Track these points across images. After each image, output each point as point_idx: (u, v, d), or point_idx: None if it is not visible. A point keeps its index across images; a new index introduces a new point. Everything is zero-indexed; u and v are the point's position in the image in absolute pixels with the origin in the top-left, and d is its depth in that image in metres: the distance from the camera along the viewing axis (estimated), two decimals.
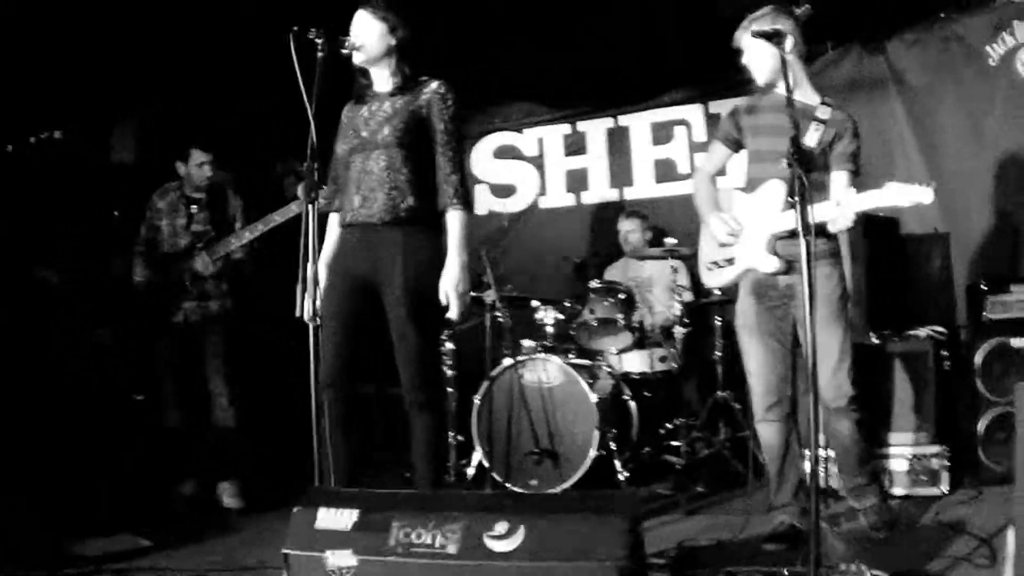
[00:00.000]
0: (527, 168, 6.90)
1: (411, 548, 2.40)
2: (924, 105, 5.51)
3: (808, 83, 3.69)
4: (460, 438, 5.41)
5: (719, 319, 5.33)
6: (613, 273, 6.10)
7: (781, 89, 3.58)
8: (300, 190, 3.31)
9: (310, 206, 3.26)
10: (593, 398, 4.85)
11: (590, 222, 6.67)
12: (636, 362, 5.42)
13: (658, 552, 3.62)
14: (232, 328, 5.18)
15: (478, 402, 5.08)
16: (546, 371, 5.02)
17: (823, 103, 3.63)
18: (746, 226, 3.67)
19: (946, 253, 5.14)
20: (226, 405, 5.08)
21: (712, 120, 6.16)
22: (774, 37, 3.22)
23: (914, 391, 4.47)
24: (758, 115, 3.74)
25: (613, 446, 4.90)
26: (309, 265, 3.27)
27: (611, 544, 2.24)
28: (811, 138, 3.56)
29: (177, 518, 4.78)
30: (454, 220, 3.49)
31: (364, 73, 3.67)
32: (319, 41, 3.36)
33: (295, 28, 3.29)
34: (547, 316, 5.33)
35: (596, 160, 6.70)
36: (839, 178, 3.59)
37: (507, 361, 5.08)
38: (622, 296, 5.31)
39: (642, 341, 5.40)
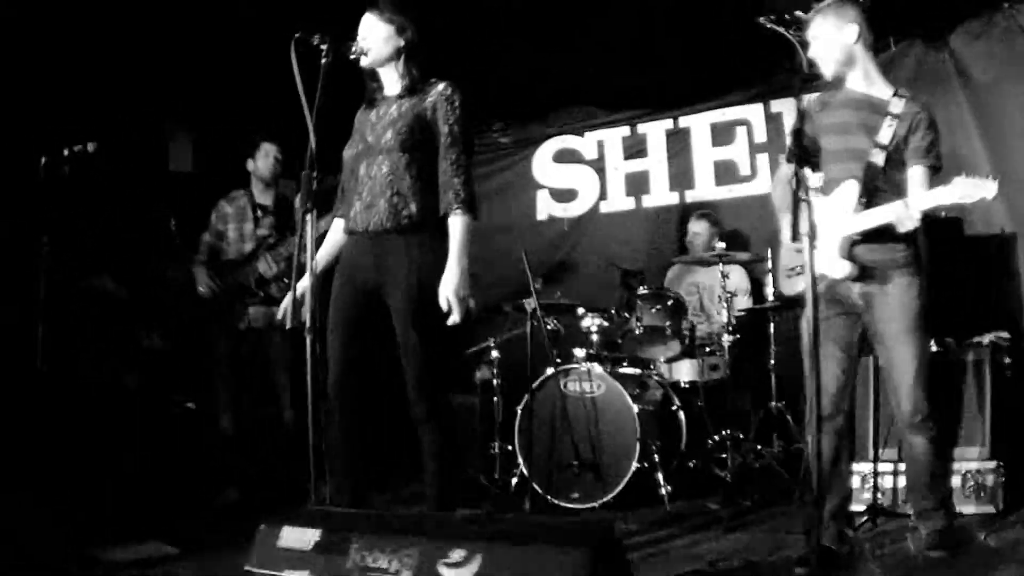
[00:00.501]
0: (588, 172, 6.77)
1: (367, 572, 2.33)
2: (990, 101, 5.18)
3: (879, 76, 3.49)
4: (510, 448, 5.33)
5: (774, 326, 5.13)
6: (671, 279, 5.93)
7: (851, 83, 3.47)
8: (297, 199, 3.25)
9: (308, 216, 3.24)
10: (635, 409, 4.71)
11: (650, 226, 6.50)
12: (687, 371, 5.26)
13: (688, 572, 3.50)
14: (297, 333, 5.20)
15: (520, 412, 5.00)
16: (589, 381, 4.91)
17: (896, 95, 3.42)
18: (821, 230, 3.46)
19: (1012, 255, 4.84)
20: (291, 412, 5.11)
21: (773, 119, 5.95)
22: (792, 25, 3.02)
23: (970, 402, 4.21)
24: (829, 112, 3.55)
25: (656, 458, 4.77)
26: (306, 276, 3.26)
27: None
28: (884, 135, 3.36)
29: (216, 525, 4.80)
30: (455, 225, 3.36)
31: (374, 76, 3.62)
32: (323, 47, 3.33)
33: (298, 35, 3.27)
34: (593, 324, 5.20)
35: (656, 163, 6.52)
36: (915, 174, 3.37)
37: (549, 371, 4.99)
38: (670, 303, 5.14)
39: (692, 349, 5.22)
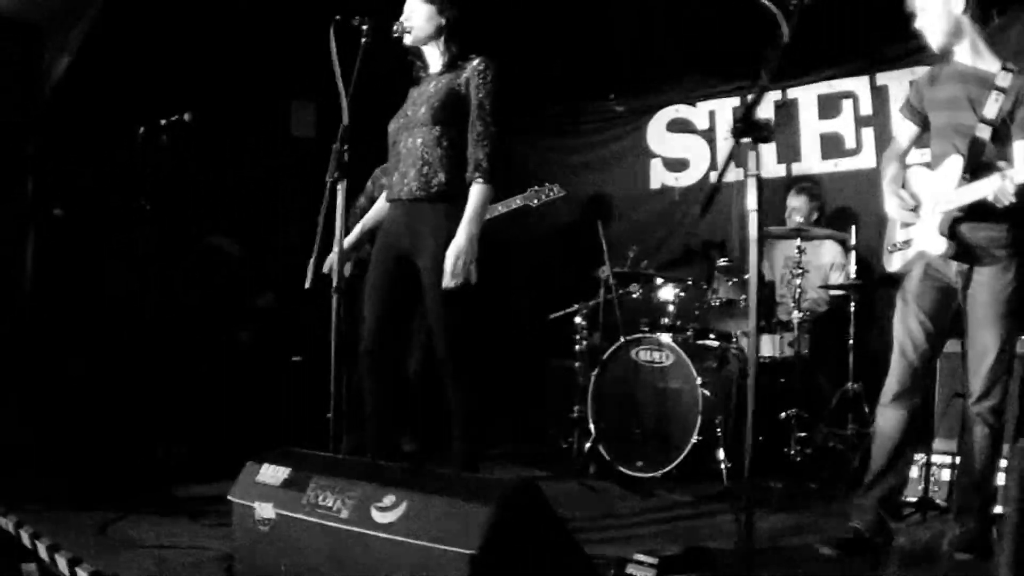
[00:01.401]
0: (699, 142, 6.68)
1: (316, 508, 2.55)
2: None
3: (987, 48, 3.38)
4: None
5: (856, 305, 4.99)
6: (768, 252, 5.83)
7: (959, 56, 3.38)
8: (329, 170, 3.46)
9: (339, 185, 3.45)
10: (699, 381, 4.73)
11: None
12: (764, 346, 5.18)
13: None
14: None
15: (592, 380, 5.11)
16: (659, 351, 4.95)
17: (1004, 68, 3.31)
18: (925, 205, 3.44)
19: None
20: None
21: (878, 93, 5.71)
22: None
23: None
24: (937, 87, 3.47)
25: (719, 433, 4.77)
26: (335, 241, 3.47)
27: (467, 532, 2.23)
28: (991, 109, 3.26)
29: None
30: (472, 193, 3.49)
31: (419, 55, 3.78)
32: (364, 28, 3.52)
33: (337, 17, 3.47)
34: (670, 294, 5.23)
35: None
36: (1019, 148, 3.23)
37: (621, 340, 5.05)
38: (747, 277, 5.08)
39: (771, 325, 5.15)
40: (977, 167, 3.25)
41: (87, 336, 5.10)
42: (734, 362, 5.16)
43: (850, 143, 5.91)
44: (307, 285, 3.46)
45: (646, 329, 5.25)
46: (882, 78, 5.71)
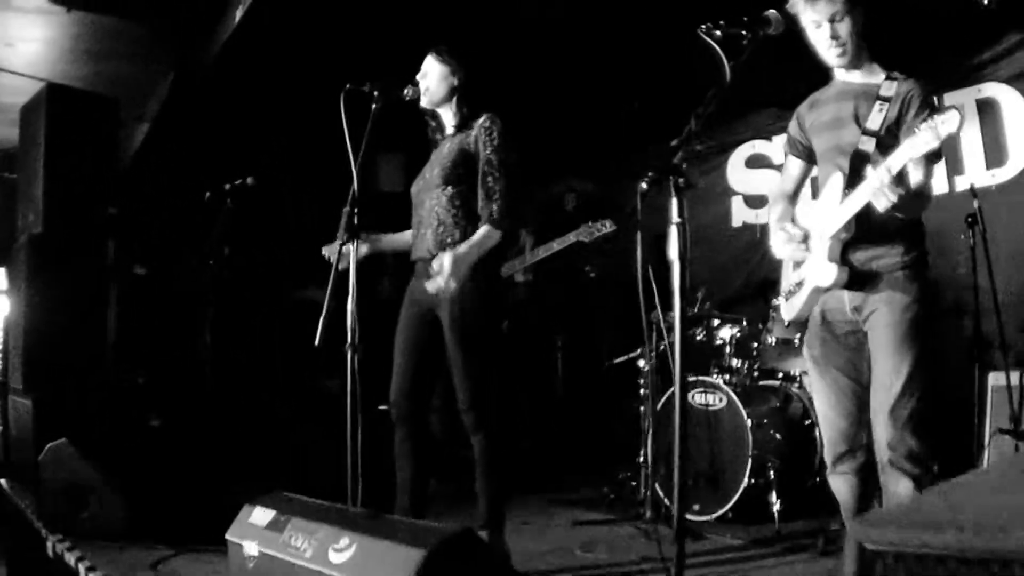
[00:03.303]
0: (777, 177, 6.57)
1: (288, 548, 2.76)
2: None
3: (869, 59, 3.09)
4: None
5: None
6: None
7: (844, 74, 3.12)
8: (339, 231, 3.62)
9: (350, 245, 3.63)
10: (749, 423, 4.66)
11: None
12: None
13: None
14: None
15: (651, 424, 5.10)
16: (713, 394, 4.91)
17: (889, 78, 3.02)
18: (813, 237, 3.11)
19: None
20: None
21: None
22: (755, 27, 2.67)
23: None
24: (818, 110, 3.20)
25: (771, 475, 4.69)
26: (349, 300, 3.64)
27: (403, 572, 2.35)
28: (874, 120, 2.96)
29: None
30: (479, 230, 3.62)
31: (435, 117, 3.94)
32: (375, 94, 3.71)
33: (348, 86, 3.66)
34: (728, 335, 5.19)
35: None
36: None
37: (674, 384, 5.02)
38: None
39: None
40: (860, 181, 2.87)
41: (167, 386, 5.43)
42: (797, 402, 5.07)
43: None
44: (317, 343, 3.60)
45: (715, 371, 5.23)
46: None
